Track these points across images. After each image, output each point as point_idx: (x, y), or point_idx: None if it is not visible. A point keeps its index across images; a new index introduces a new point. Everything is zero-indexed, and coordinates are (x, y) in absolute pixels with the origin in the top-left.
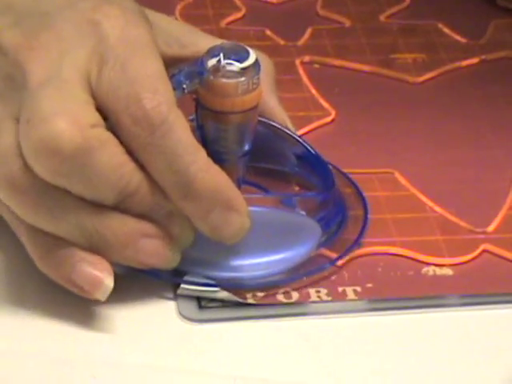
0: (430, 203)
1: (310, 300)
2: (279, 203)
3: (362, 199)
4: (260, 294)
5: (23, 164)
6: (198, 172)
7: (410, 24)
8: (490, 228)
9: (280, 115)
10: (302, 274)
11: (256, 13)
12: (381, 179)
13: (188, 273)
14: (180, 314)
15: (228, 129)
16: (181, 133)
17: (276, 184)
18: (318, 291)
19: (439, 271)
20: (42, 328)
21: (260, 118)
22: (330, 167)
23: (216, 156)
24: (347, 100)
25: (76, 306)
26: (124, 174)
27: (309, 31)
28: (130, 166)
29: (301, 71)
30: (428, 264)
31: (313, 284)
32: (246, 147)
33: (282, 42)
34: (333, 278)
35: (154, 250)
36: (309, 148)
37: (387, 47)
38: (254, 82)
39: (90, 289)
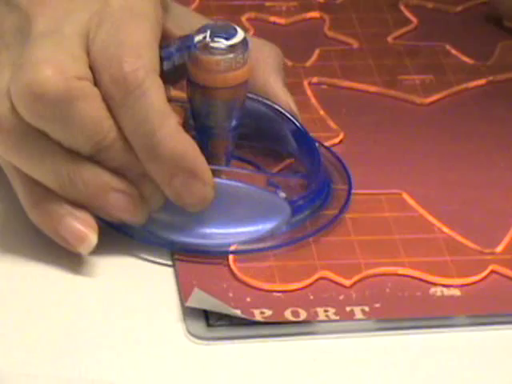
0: (438, 224)
1: (318, 319)
2: (265, 181)
3: (347, 175)
4: (268, 312)
5: (11, 105)
6: (165, 137)
7: (417, 45)
8: (499, 249)
9: (284, 97)
10: (277, 245)
11: (264, 34)
12: (389, 200)
13: (155, 234)
14: (188, 331)
15: (214, 104)
16: (154, 98)
17: (269, 163)
18: (326, 310)
19: (447, 292)
20: (43, 350)
21: (259, 98)
22: (317, 145)
23: (206, 130)
24: (355, 121)
25: (80, 322)
26: (101, 128)
27: (317, 52)
28: (108, 122)
29: (309, 92)
30: (436, 285)
31: (321, 303)
32: (235, 122)
33: (290, 63)
34: (340, 297)
35: (122, 205)
36: (300, 127)
37: (395, 68)
38: (237, 60)
39: (75, 242)
